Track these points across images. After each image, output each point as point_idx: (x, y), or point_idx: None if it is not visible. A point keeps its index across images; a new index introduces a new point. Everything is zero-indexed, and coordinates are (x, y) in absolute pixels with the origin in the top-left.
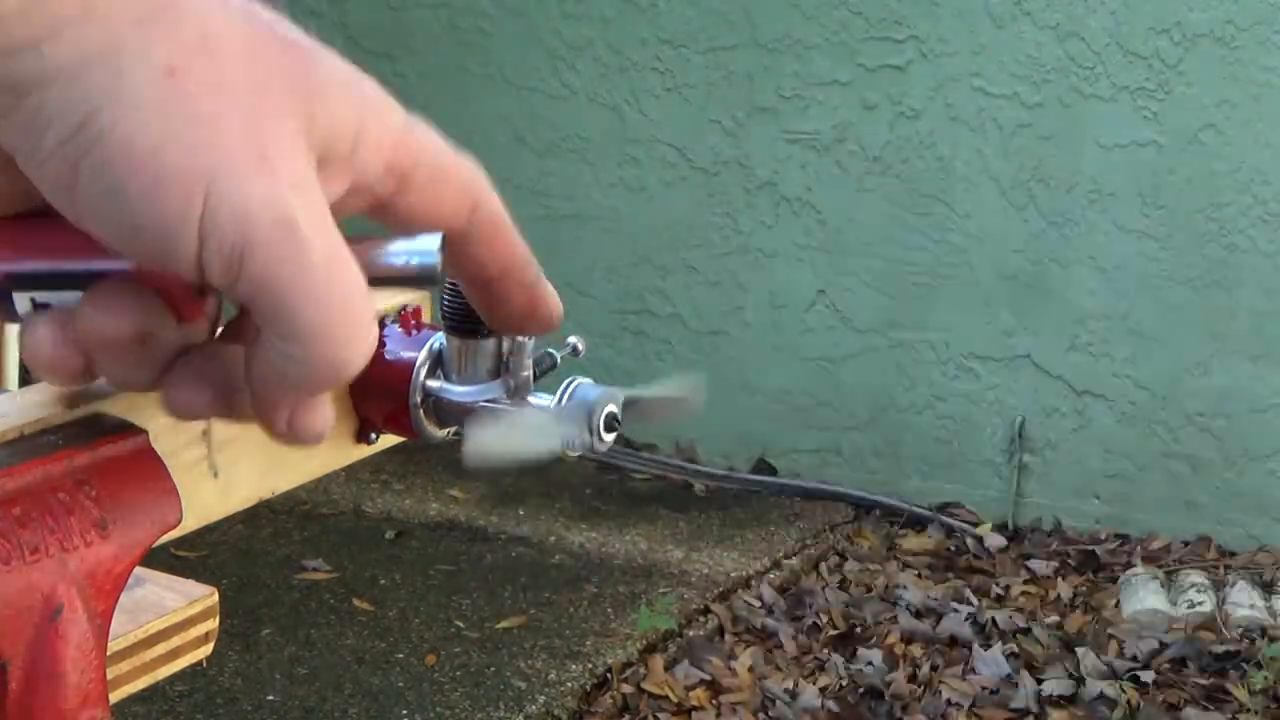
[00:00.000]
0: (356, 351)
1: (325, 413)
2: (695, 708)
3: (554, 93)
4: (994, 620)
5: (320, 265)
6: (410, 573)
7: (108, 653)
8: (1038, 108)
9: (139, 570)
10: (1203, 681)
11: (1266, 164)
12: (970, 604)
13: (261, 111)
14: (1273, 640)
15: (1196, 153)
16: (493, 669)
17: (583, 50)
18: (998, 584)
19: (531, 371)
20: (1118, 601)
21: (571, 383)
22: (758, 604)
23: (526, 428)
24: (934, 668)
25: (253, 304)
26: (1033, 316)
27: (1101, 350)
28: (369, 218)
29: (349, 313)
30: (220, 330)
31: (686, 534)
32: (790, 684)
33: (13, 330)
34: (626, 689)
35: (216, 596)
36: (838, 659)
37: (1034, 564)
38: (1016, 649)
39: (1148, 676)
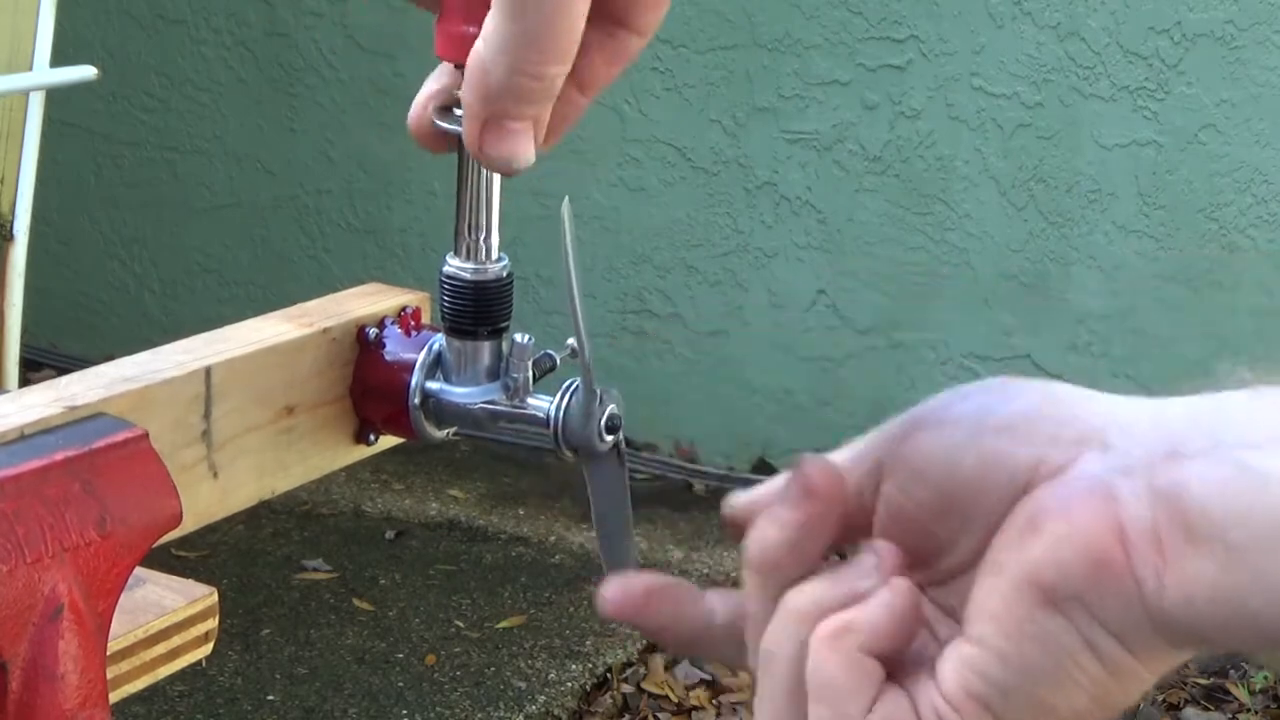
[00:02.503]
0: None
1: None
2: (695, 708)
3: None
4: None
5: None
6: (410, 573)
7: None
8: (1038, 108)
9: (139, 570)
10: (1203, 681)
11: (1266, 164)
12: None
13: None
14: None
15: (1196, 153)
16: (493, 669)
17: None
18: None
19: (530, 372)
20: None
21: (571, 384)
22: None
23: None
24: None
25: None
26: (1033, 316)
27: (1101, 350)
28: None
29: None
30: None
31: (686, 534)
32: None
33: (13, 330)
34: (626, 689)
35: (216, 596)
36: None
37: None
38: None
39: None
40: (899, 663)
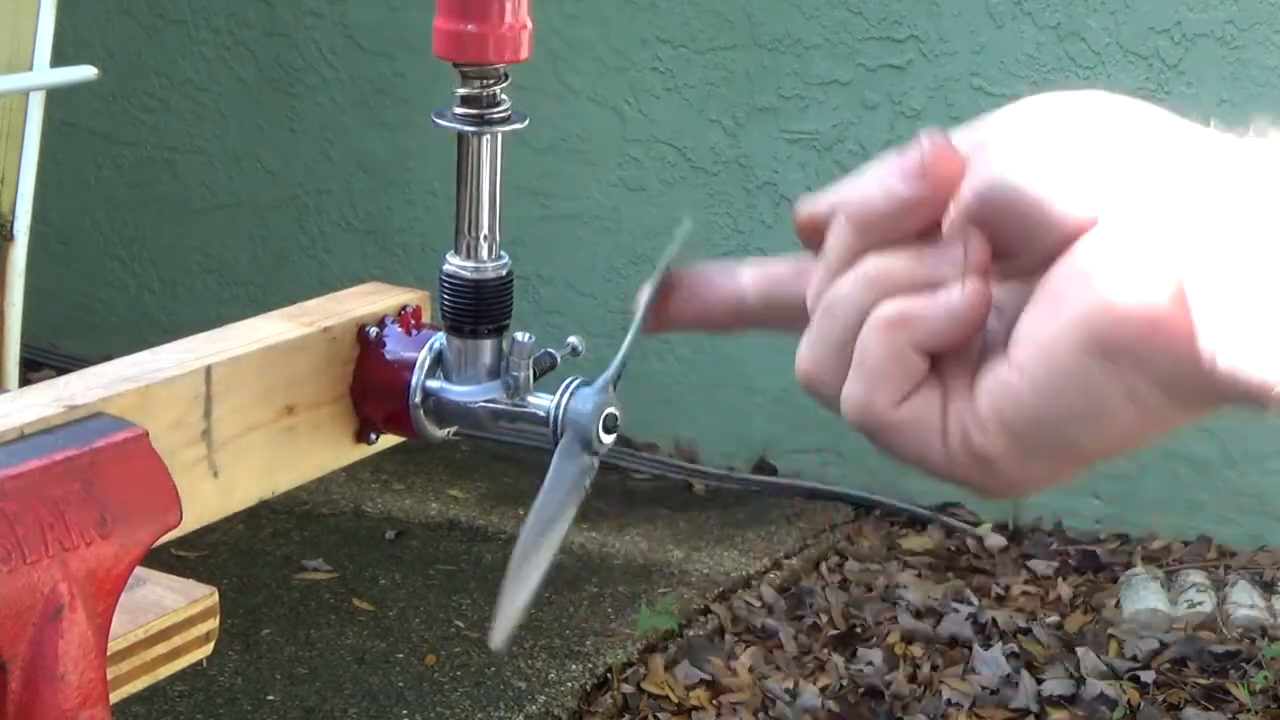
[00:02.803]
0: None
1: None
2: (695, 708)
3: (554, 93)
4: (994, 620)
5: None
6: (410, 573)
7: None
8: None
9: (139, 570)
10: (1203, 681)
11: None
12: (970, 604)
13: None
14: (1273, 640)
15: None
16: (493, 669)
17: (583, 50)
18: (998, 584)
19: (531, 371)
20: (1118, 601)
21: (571, 383)
22: (758, 604)
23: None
24: (934, 668)
25: None
26: None
27: None
28: None
29: None
30: None
31: (686, 534)
32: (790, 684)
33: (13, 330)
34: (626, 689)
35: (217, 596)
36: (838, 659)
37: (1034, 564)
38: (1017, 649)
39: (1148, 676)
40: (954, 354)
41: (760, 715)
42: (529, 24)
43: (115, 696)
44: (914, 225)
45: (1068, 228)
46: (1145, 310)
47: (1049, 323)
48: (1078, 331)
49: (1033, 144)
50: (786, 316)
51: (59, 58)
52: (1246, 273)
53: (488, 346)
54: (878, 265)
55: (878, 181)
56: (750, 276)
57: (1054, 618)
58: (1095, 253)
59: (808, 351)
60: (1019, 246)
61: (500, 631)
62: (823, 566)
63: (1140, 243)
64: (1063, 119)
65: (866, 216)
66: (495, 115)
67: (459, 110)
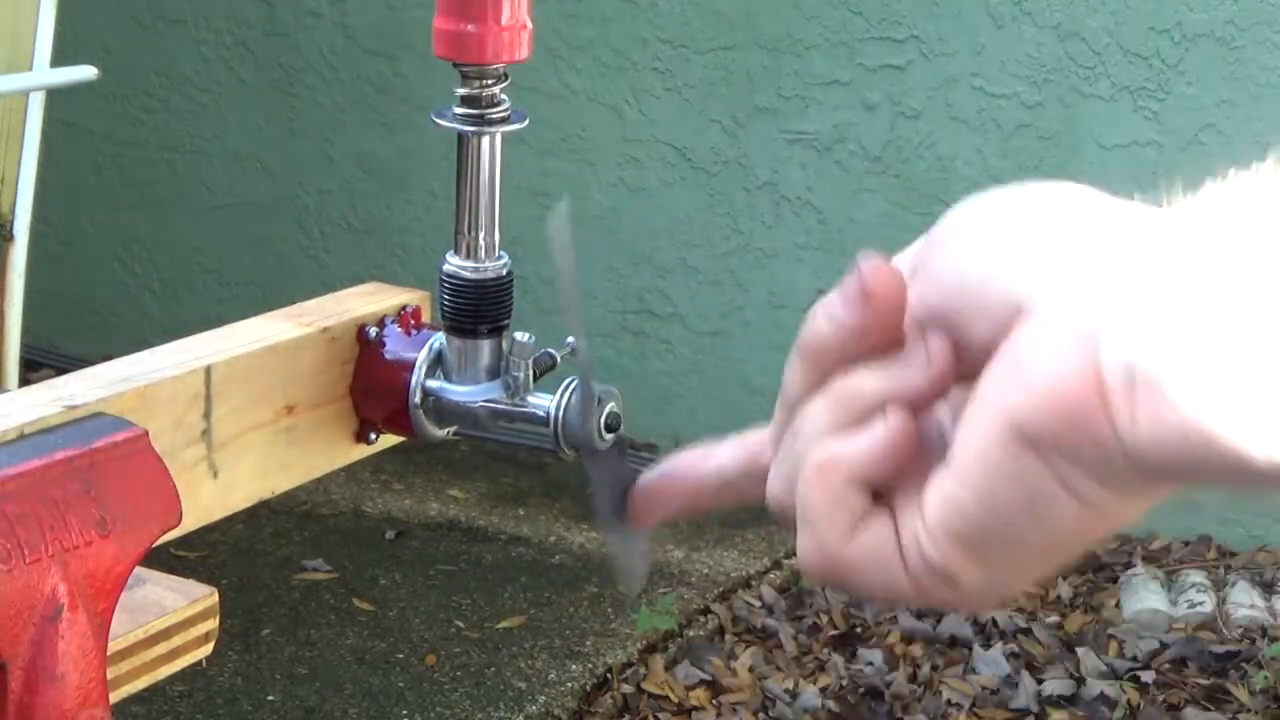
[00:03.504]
0: None
1: None
2: (695, 708)
3: (554, 93)
4: (994, 620)
5: None
6: (410, 573)
7: (108, 653)
8: (1038, 108)
9: (139, 570)
10: (1203, 681)
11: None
12: None
13: None
14: (1273, 640)
15: (1196, 153)
16: (493, 669)
17: (583, 50)
18: None
19: (531, 371)
20: (1118, 601)
21: (571, 383)
22: (758, 604)
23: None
24: (934, 668)
25: None
26: None
27: None
28: None
29: None
30: None
31: (686, 534)
32: (790, 684)
33: (13, 330)
34: (626, 689)
35: (216, 596)
36: (838, 659)
37: None
38: (1017, 649)
39: (1148, 676)
40: (906, 475)
41: (760, 715)
42: (529, 24)
43: (115, 696)
44: (865, 349)
45: (1004, 323)
46: (1060, 398)
47: (981, 424)
48: (1004, 429)
49: (976, 241)
50: None
51: (59, 58)
52: (1176, 351)
53: (487, 346)
54: (841, 385)
55: (823, 311)
56: (728, 454)
57: (1054, 618)
58: (1017, 346)
59: (776, 481)
60: (965, 346)
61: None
62: None
63: (1061, 330)
64: (1013, 212)
65: (816, 348)
66: (495, 115)
67: (459, 110)
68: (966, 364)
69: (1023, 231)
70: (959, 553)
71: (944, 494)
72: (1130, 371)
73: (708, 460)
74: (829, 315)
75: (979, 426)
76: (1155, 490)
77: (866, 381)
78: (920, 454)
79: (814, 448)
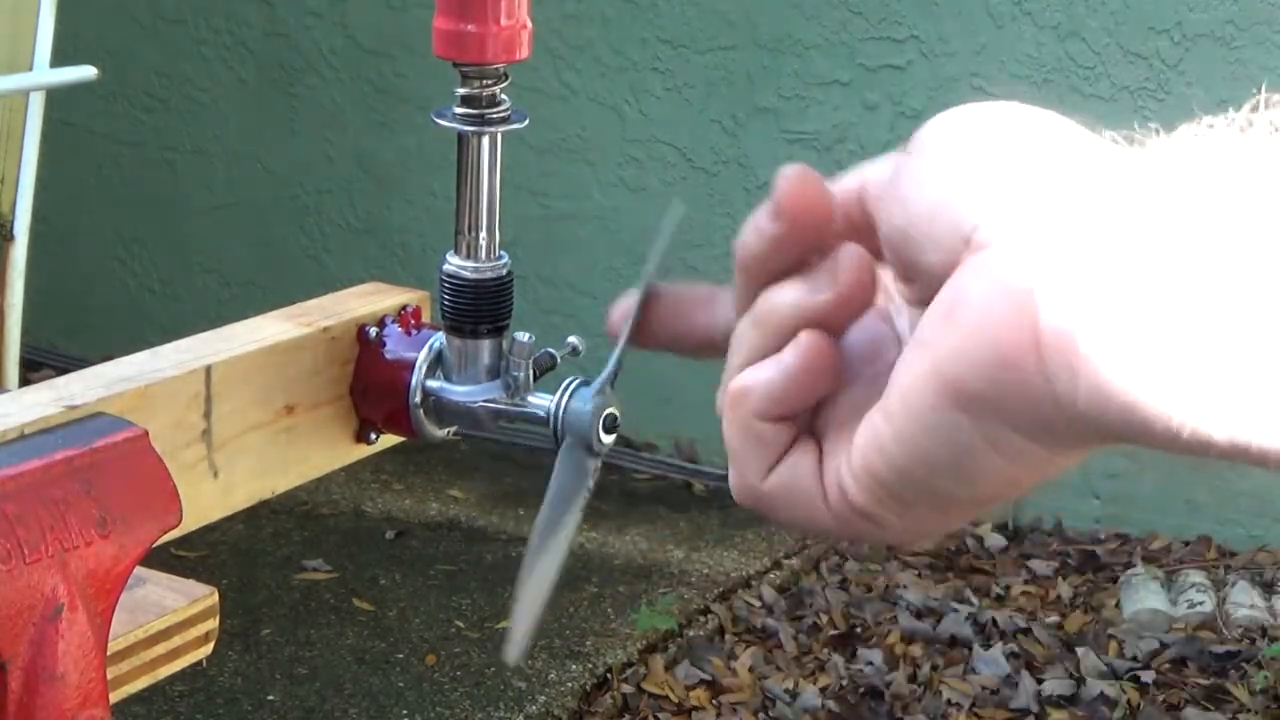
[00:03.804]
0: None
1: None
2: (695, 708)
3: (554, 93)
4: (994, 620)
5: None
6: (410, 573)
7: (108, 653)
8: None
9: (139, 570)
10: (1203, 681)
11: None
12: (970, 604)
13: None
14: (1273, 640)
15: None
16: (493, 669)
17: (583, 50)
18: (998, 584)
19: (530, 371)
20: (1118, 601)
21: (571, 383)
22: (758, 604)
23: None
24: (934, 668)
25: None
26: None
27: None
28: None
29: None
30: None
31: (686, 534)
32: (790, 684)
33: (13, 330)
34: (626, 689)
35: (216, 596)
36: (838, 659)
37: (1034, 564)
38: (1017, 649)
39: (1148, 676)
40: (837, 405)
41: (760, 715)
42: (529, 24)
43: (115, 696)
44: (788, 260)
45: (954, 255)
46: (991, 352)
47: (914, 367)
48: (932, 380)
49: (938, 162)
50: None
51: (59, 58)
52: (1125, 311)
53: (487, 346)
54: (761, 303)
55: (751, 223)
56: (727, 308)
57: (1054, 618)
58: (956, 286)
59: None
60: (913, 272)
61: (516, 645)
62: (822, 566)
63: (1003, 275)
64: (984, 133)
65: (744, 262)
66: (495, 115)
67: (459, 110)
68: (923, 290)
69: (986, 157)
70: (880, 495)
71: (871, 431)
72: (1072, 328)
73: (711, 308)
74: (756, 227)
75: (910, 369)
76: (1105, 445)
77: (781, 299)
78: (869, 381)
79: (731, 376)
